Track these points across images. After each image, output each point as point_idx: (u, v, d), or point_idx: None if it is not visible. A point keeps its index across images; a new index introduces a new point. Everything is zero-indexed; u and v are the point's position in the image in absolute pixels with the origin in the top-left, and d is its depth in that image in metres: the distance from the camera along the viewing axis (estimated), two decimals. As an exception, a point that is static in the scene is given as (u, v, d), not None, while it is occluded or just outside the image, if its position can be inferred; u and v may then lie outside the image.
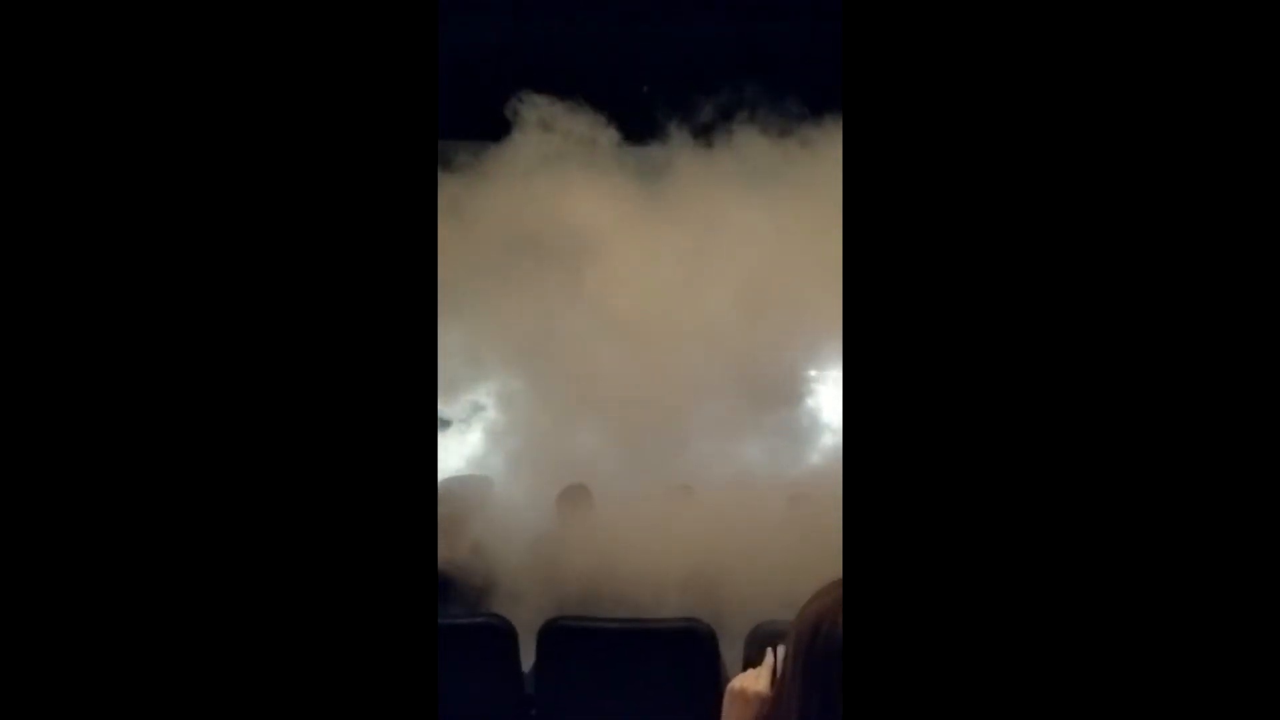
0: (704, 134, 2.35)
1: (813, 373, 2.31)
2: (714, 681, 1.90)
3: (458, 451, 2.47)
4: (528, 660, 1.88)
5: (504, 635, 1.84)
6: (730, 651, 1.94)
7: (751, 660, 1.91)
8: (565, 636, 1.78)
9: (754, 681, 1.16)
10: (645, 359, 2.11)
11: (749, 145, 2.31)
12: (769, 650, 1.17)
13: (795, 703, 0.74)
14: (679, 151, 2.33)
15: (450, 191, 1.98)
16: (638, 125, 2.81)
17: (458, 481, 2.37)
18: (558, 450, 2.15)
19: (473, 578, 1.76)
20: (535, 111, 2.31)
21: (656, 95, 2.56)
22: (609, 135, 2.35)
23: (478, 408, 2.50)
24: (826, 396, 2.34)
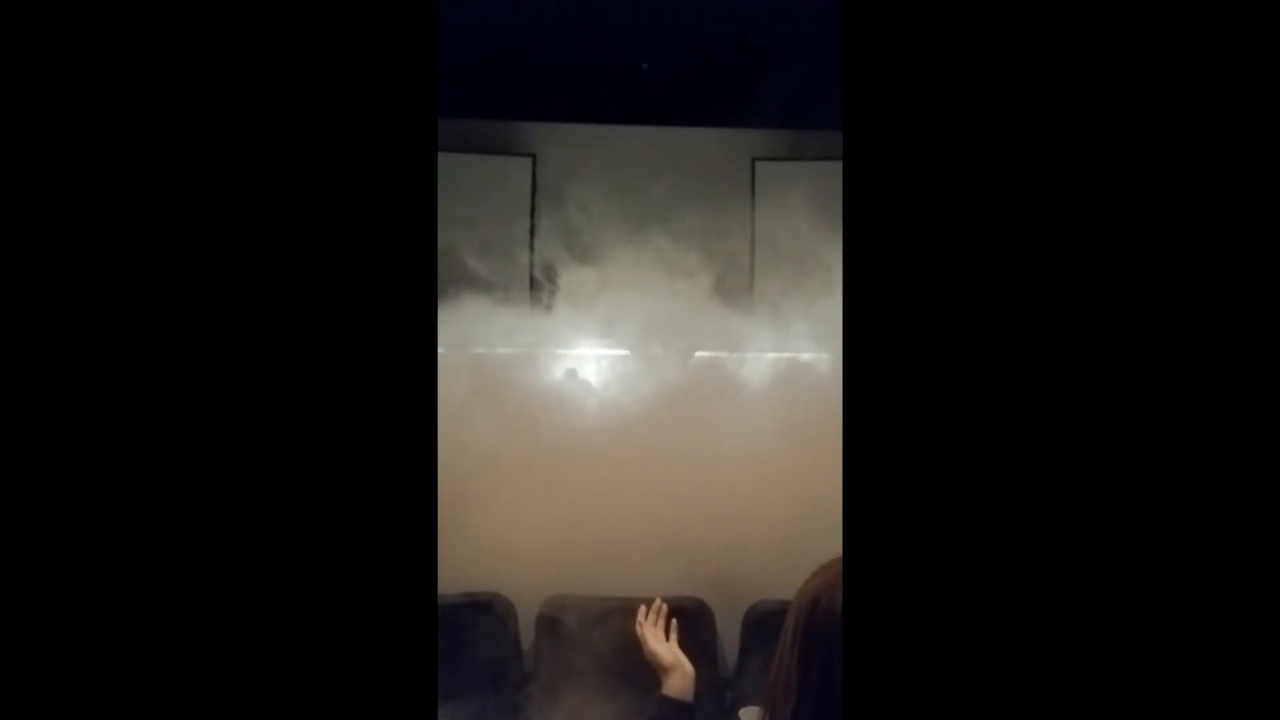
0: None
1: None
2: (711, 658, 1.92)
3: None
4: (527, 637, 1.90)
5: (503, 612, 1.86)
6: (727, 629, 1.96)
7: (750, 638, 1.93)
8: (564, 613, 1.80)
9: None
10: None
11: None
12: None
13: (794, 675, 0.75)
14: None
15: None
16: (637, 104, 2.80)
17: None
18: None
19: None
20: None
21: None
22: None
23: None
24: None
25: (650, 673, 1.28)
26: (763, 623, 1.89)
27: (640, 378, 2.20)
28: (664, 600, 1.50)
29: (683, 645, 1.39)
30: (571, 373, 2.31)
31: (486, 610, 1.82)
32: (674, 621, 1.35)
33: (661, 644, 1.31)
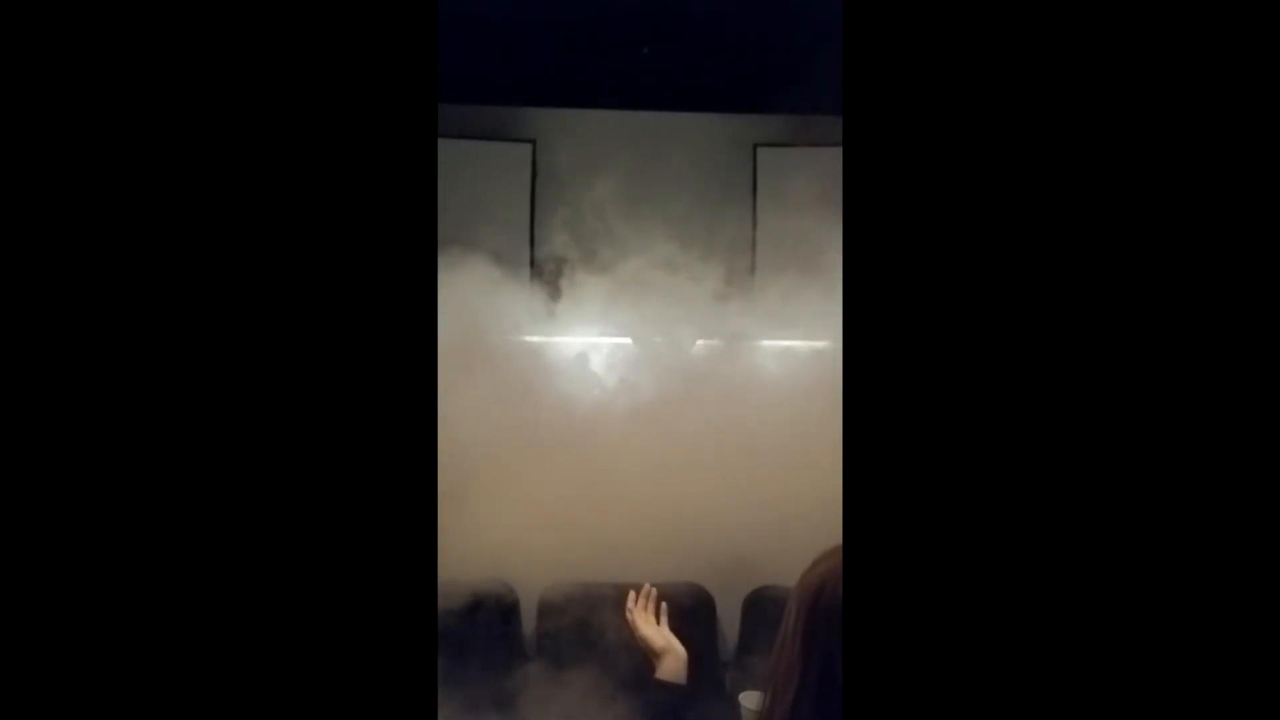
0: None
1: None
2: (711, 644, 1.93)
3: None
4: (529, 623, 1.91)
5: (506, 600, 1.87)
6: (727, 615, 1.97)
7: (750, 624, 1.94)
8: (566, 601, 1.81)
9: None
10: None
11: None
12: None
13: (796, 664, 0.75)
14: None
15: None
16: (637, 89, 2.77)
17: None
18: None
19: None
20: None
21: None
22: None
23: None
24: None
25: (645, 657, 1.29)
26: (763, 609, 1.90)
27: (641, 365, 2.20)
28: (666, 587, 1.50)
29: (682, 631, 1.39)
30: (572, 360, 2.30)
31: (489, 598, 1.82)
32: (664, 605, 1.35)
33: (652, 628, 1.31)
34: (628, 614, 1.33)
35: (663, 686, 1.23)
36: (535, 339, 2.22)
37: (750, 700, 1.20)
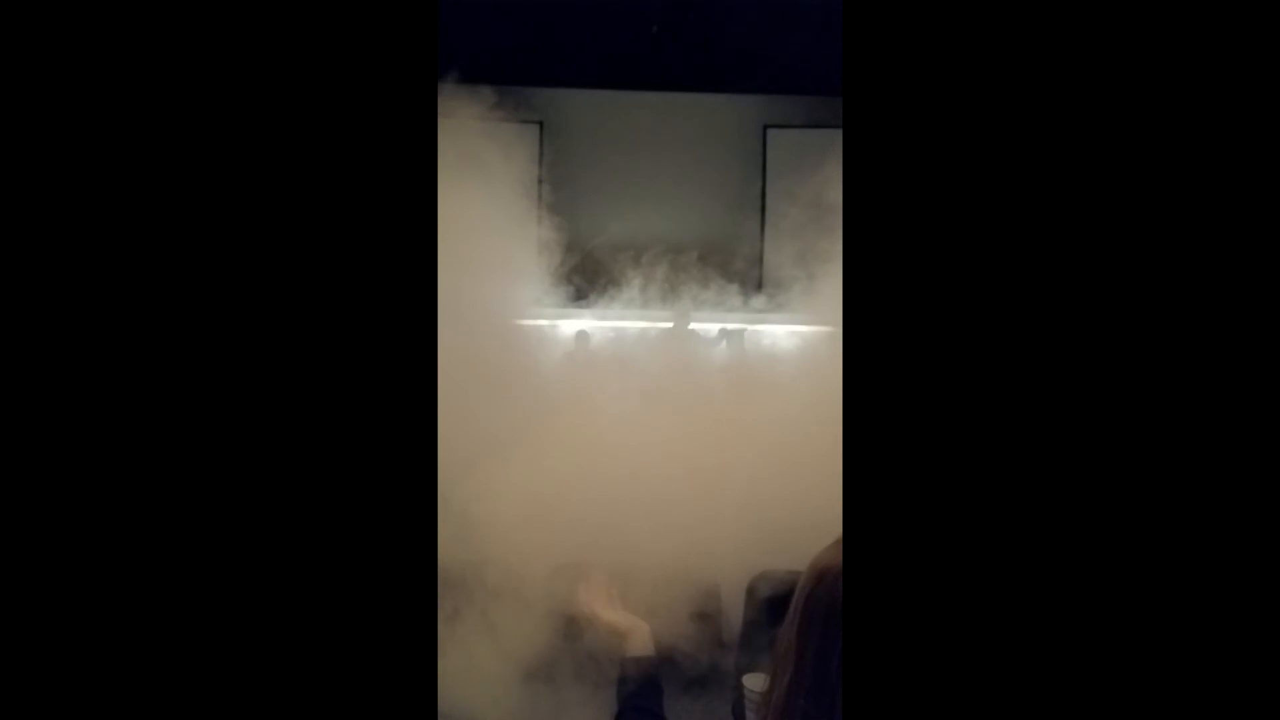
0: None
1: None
2: (716, 627, 1.94)
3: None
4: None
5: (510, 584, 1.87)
6: (732, 598, 1.97)
7: (755, 607, 1.95)
8: (571, 584, 1.81)
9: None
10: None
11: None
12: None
13: (792, 647, 0.74)
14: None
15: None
16: (645, 69, 2.75)
17: None
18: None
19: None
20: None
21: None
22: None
23: None
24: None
25: (612, 641, 1.30)
26: (768, 592, 1.90)
27: (648, 349, 2.19)
28: (671, 570, 1.50)
29: (686, 615, 1.40)
30: (579, 343, 2.30)
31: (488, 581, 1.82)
32: (614, 590, 1.37)
33: (613, 612, 1.32)
34: (584, 608, 1.34)
35: (636, 663, 1.24)
36: (541, 322, 2.22)
37: (754, 682, 1.21)
